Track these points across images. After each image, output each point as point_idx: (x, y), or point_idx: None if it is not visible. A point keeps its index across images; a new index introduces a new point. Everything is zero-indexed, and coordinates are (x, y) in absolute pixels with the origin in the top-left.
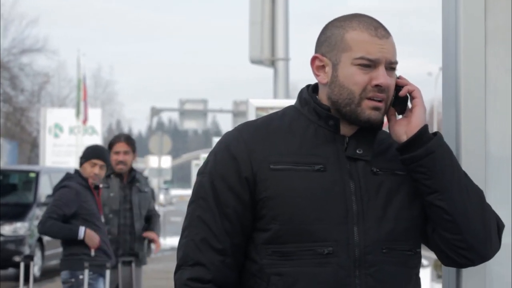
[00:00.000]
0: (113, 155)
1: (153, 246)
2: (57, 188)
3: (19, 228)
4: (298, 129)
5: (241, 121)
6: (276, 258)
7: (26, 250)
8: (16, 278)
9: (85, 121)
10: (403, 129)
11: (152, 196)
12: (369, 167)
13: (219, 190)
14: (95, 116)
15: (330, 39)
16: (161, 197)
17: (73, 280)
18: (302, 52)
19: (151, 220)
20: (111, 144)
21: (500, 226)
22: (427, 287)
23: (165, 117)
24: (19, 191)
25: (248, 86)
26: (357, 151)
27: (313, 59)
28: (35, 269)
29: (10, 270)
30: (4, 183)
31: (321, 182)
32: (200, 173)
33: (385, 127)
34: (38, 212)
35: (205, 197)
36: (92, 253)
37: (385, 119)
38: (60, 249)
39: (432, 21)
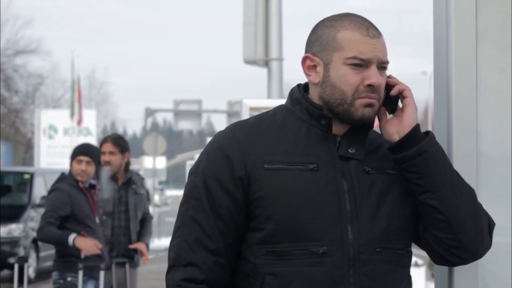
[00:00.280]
0: (101, 155)
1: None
2: (50, 191)
3: (13, 229)
4: (291, 128)
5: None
6: (270, 258)
7: (21, 252)
8: (10, 280)
9: (79, 122)
10: (394, 128)
11: (147, 198)
12: (361, 166)
13: (212, 189)
14: (90, 117)
15: (321, 39)
16: (156, 198)
17: (61, 281)
18: (296, 52)
19: (143, 224)
20: (100, 145)
21: (491, 224)
22: (421, 286)
23: (159, 117)
24: (14, 193)
25: (242, 87)
26: (349, 150)
27: (304, 59)
28: (30, 271)
29: (5, 272)
30: None
31: (314, 182)
32: (192, 173)
33: (376, 128)
34: (32, 214)
35: (198, 197)
36: (82, 255)
37: (376, 120)
38: (54, 251)
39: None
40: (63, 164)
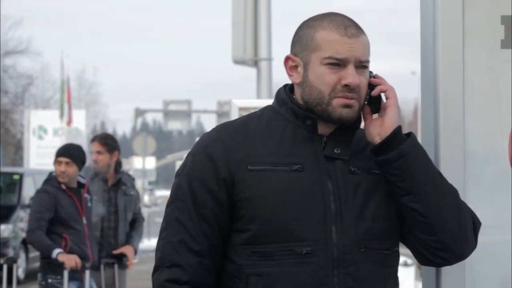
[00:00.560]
0: (91, 155)
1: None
2: (36, 192)
3: (3, 230)
4: (276, 129)
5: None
6: (255, 259)
7: (10, 252)
8: None
9: (69, 122)
10: (376, 130)
11: (137, 198)
12: (347, 166)
13: (196, 191)
14: (79, 118)
15: (301, 39)
16: (146, 198)
17: (43, 282)
18: (285, 52)
19: (134, 225)
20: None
21: (476, 224)
22: (411, 286)
23: (149, 118)
24: (3, 193)
25: (232, 87)
26: (335, 151)
27: (286, 59)
28: (19, 271)
29: None
30: None
31: (299, 182)
32: (178, 174)
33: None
34: (22, 214)
35: (182, 199)
36: (68, 268)
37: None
38: None
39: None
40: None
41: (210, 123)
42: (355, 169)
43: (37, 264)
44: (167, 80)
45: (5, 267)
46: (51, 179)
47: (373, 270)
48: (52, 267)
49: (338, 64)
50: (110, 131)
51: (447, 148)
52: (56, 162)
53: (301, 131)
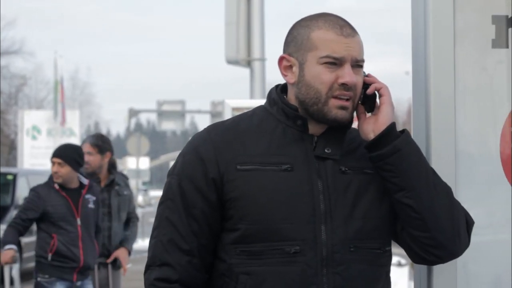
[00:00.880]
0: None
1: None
2: (29, 191)
3: None
4: (267, 129)
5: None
6: (244, 258)
7: None
8: None
9: (63, 123)
10: (370, 127)
11: (131, 198)
12: (337, 166)
13: (186, 191)
14: (73, 118)
15: (296, 39)
16: (140, 198)
17: (34, 281)
18: (278, 52)
19: (128, 226)
20: None
21: (469, 222)
22: (404, 286)
23: (143, 118)
24: None
25: (226, 87)
26: (326, 150)
27: (281, 59)
28: (13, 271)
29: None
30: None
31: (288, 182)
32: (169, 174)
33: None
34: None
35: (173, 198)
36: (49, 257)
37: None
38: None
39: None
40: (46, 165)
41: (204, 123)
42: (346, 168)
43: (31, 264)
44: (160, 81)
45: None
46: (49, 179)
47: (363, 269)
48: (41, 266)
49: (335, 63)
50: (104, 131)
51: (438, 148)
52: (51, 162)
53: (291, 131)
